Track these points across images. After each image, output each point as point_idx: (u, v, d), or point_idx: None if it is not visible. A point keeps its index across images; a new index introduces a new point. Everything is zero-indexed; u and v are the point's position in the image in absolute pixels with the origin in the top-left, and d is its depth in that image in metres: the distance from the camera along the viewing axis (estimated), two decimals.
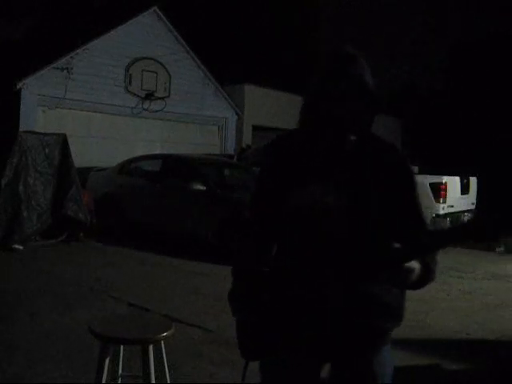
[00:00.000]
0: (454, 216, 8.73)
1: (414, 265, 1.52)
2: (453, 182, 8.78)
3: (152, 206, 8.43)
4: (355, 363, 1.66)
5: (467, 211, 9.24)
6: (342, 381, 1.68)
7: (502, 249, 9.07)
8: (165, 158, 9.09)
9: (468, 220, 1.56)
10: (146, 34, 12.84)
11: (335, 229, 1.57)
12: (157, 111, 13.07)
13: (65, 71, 11.39)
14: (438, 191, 8.42)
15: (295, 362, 1.66)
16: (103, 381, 2.42)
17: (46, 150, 8.08)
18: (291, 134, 1.76)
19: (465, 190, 9.19)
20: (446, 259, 8.68)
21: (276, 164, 1.70)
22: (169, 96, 13.23)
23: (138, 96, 12.69)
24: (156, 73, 12.96)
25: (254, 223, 1.75)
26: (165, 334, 2.47)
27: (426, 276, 1.61)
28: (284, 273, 1.65)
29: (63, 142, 8.32)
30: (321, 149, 1.62)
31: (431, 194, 8.40)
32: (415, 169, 9.79)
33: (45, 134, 8.43)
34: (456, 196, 8.88)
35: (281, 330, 1.63)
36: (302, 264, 1.62)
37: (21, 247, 7.45)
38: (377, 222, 1.58)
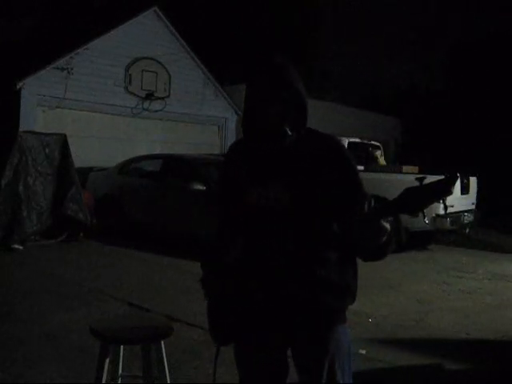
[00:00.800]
0: (454, 216, 8.73)
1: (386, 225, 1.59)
2: None
3: (152, 206, 8.43)
4: (310, 341, 1.76)
5: (467, 211, 9.23)
6: (300, 361, 1.80)
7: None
8: (165, 158, 9.09)
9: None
10: (146, 34, 12.83)
11: (282, 221, 1.72)
12: (157, 111, 13.07)
13: (65, 71, 11.39)
14: None
15: (259, 345, 1.80)
16: (103, 381, 2.42)
17: (46, 150, 8.08)
18: (240, 141, 1.96)
19: (465, 190, 9.18)
20: (446, 259, 8.69)
21: (230, 167, 1.92)
22: (169, 96, 13.23)
23: (138, 96, 12.69)
24: (156, 73, 12.96)
25: (219, 220, 2.04)
26: (165, 334, 2.47)
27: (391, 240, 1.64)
28: (243, 263, 1.82)
29: (63, 142, 8.32)
30: (261, 151, 1.80)
31: None
32: (415, 169, 9.79)
33: (45, 134, 8.43)
34: (456, 196, 8.87)
35: (243, 316, 1.80)
36: (256, 255, 1.78)
37: (21, 247, 7.45)
38: (318, 210, 1.71)
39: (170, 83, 13.25)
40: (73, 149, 8.58)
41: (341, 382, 1.79)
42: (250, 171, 1.81)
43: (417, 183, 1.61)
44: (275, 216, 1.73)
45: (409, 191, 1.59)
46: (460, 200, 9.02)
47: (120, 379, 2.65)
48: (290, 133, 1.75)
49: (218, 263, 1.89)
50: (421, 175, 1.63)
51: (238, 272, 1.81)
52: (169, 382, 2.63)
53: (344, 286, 1.77)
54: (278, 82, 1.76)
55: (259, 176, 1.78)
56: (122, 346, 2.54)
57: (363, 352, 4.04)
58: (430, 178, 1.59)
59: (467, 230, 9.48)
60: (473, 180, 9.57)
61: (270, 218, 1.74)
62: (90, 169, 10.21)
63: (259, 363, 1.82)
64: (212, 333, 1.90)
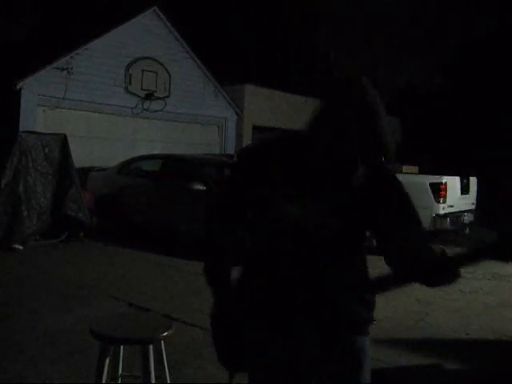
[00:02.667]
0: (454, 216, 8.73)
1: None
2: (453, 182, 8.77)
3: (152, 205, 8.43)
4: (345, 356, 1.66)
5: (467, 211, 9.23)
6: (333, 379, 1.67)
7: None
8: (165, 158, 9.09)
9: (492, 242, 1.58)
10: (146, 34, 12.84)
11: (322, 246, 1.60)
12: (157, 111, 13.07)
13: (65, 71, 11.39)
14: (438, 191, 8.41)
15: (275, 374, 1.64)
16: (103, 381, 2.42)
17: (46, 150, 8.08)
18: (287, 138, 1.73)
19: (465, 190, 9.18)
20: None
21: (256, 172, 1.64)
22: (169, 96, 13.23)
23: (138, 96, 12.70)
24: (156, 73, 12.97)
25: (220, 212, 1.80)
26: (165, 334, 2.47)
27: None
28: (260, 283, 1.66)
29: (63, 142, 8.32)
30: (324, 166, 1.57)
31: (431, 194, 8.40)
32: (415, 169, 9.80)
33: (45, 134, 8.43)
34: (456, 196, 8.87)
35: (256, 342, 1.64)
36: (284, 275, 1.63)
37: (21, 247, 7.45)
38: (365, 235, 1.65)
39: (170, 83, 13.25)
40: (73, 149, 8.58)
41: None
42: (290, 187, 1.59)
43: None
44: (315, 240, 1.59)
45: (505, 236, 1.52)
46: (460, 200, 9.02)
47: (120, 379, 2.65)
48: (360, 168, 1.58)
49: (227, 282, 1.73)
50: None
51: (253, 293, 1.66)
52: (169, 382, 2.63)
53: (373, 299, 1.74)
54: (379, 116, 1.57)
55: (302, 195, 1.58)
56: (121, 346, 2.54)
57: None
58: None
59: (467, 230, 9.48)
60: (473, 180, 9.57)
61: (306, 240, 1.60)
62: (90, 169, 10.21)
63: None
64: (222, 360, 1.72)
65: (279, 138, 1.75)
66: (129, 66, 12.52)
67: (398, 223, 1.61)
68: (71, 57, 11.53)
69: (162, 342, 2.51)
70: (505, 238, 1.53)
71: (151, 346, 2.43)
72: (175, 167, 8.79)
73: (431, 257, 1.56)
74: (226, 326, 1.70)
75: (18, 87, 10.73)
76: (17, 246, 7.43)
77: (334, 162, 1.56)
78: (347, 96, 1.57)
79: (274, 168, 1.61)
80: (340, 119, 1.52)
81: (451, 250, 1.66)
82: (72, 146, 8.57)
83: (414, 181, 8.82)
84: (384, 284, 1.68)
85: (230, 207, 1.78)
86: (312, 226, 1.58)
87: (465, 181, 9.18)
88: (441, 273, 1.58)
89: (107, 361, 2.43)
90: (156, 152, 11.91)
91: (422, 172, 9.77)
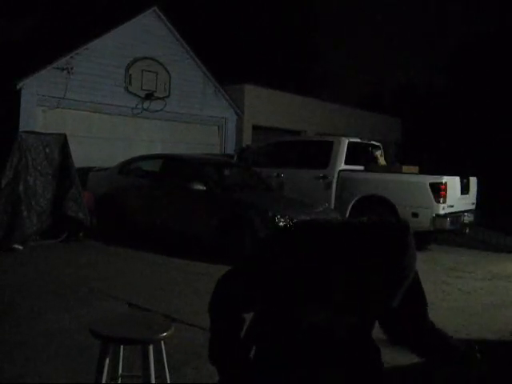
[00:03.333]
0: (454, 216, 8.73)
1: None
2: (453, 182, 8.77)
3: (152, 205, 8.43)
4: None
5: (467, 211, 9.23)
6: None
7: None
8: (165, 158, 9.09)
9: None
10: (146, 34, 12.83)
11: (340, 345, 1.63)
12: (157, 111, 13.07)
13: (65, 71, 11.38)
14: (438, 191, 8.41)
15: None
16: (103, 381, 2.42)
17: (46, 150, 8.08)
18: (325, 232, 1.57)
19: (465, 190, 9.18)
20: (446, 259, 8.69)
21: (302, 262, 1.51)
22: (169, 96, 13.23)
23: (138, 96, 12.69)
24: (156, 73, 12.96)
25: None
26: (165, 334, 2.47)
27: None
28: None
29: (63, 142, 8.32)
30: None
31: (431, 194, 8.40)
32: (415, 169, 9.79)
33: (45, 134, 8.42)
34: (456, 196, 8.86)
35: None
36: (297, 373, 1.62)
37: (21, 247, 7.45)
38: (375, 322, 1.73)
39: (170, 83, 13.25)
40: (73, 149, 8.58)
41: None
42: (321, 284, 1.50)
43: None
44: (332, 339, 1.62)
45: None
46: (460, 200, 9.02)
47: (120, 379, 2.65)
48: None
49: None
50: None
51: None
52: (169, 382, 2.63)
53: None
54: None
55: (327, 295, 1.51)
56: (121, 346, 2.54)
57: None
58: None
59: (467, 230, 9.48)
60: (473, 180, 9.57)
61: (324, 340, 1.61)
62: (90, 169, 10.21)
63: None
64: None
65: (333, 227, 1.60)
66: (129, 66, 12.52)
67: (406, 316, 1.71)
68: (71, 57, 11.53)
69: (162, 342, 2.51)
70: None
71: (151, 346, 2.43)
72: (175, 167, 8.79)
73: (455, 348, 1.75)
74: None
75: (17, 87, 10.72)
76: (17, 246, 7.43)
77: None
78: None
79: (318, 266, 1.49)
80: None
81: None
82: (72, 146, 8.57)
83: (414, 181, 8.83)
84: None
85: (246, 296, 1.65)
86: (331, 325, 1.59)
87: (465, 181, 9.18)
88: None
89: (107, 361, 2.43)
90: (156, 152, 11.91)
91: (422, 172, 9.77)
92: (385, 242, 1.44)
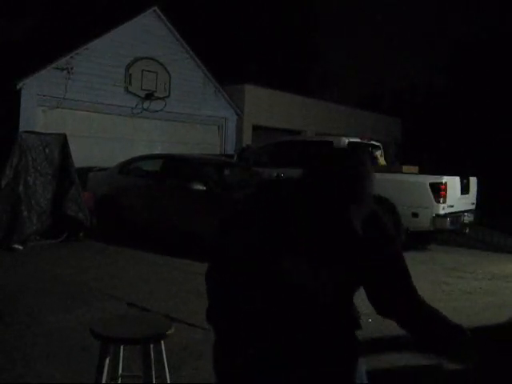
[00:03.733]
0: (454, 216, 8.73)
1: None
2: (453, 182, 8.77)
3: (152, 205, 8.43)
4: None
5: (467, 211, 9.23)
6: None
7: None
8: (165, 158, 9.09)
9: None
10: (146, 34, 12.84)
11: (319, 300, 1.66)
12: (157, 111, 13.07)
13: (65, 71, 11.39)
14: (438, 191, 8.41)
15: None
16: (103, 381, 2.42)
17: (46, 150, 8.08)
18: (288, 186, 1.75)
19: (465, 190, 9.17)
20: (446, 259, 8.69)
21: (266, 219, 1.67)
22: (169, 96, 13.24)
23: (138, 96, 12.70)
24: (156, 73, 12.97)
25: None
26: (165, 333, 2.47)
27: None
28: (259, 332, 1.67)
29: (63, 142, 8.32)
30: (322, 223, 1.63)
31: (431, 194, 8.40)
32: (415, 169, 9.79)
33: (45, 134, 8.42)
34: (456, 196, 8.86)
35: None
36: (279, 324, 1.65)
37: (21, 247, 7.45)
38: (357, 288, 1.74)
39: (170, 83, 13.25)
40: (73, 149, 8.58)
41: None
42: (291, 239, 1.63)
43: None
44: (308, 295, 1.66)
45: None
46: (460, 200, 9.02)
47: (120, 379, 2.65)
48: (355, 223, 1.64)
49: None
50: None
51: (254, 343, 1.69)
52: (169, 382, 2.63)
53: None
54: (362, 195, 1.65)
55: (303, 249, 1.63)
56: (122, 346, 2.54)
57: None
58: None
59: (467, 230, 9.48)
60: (473, 180, 9.57)
61: (301, 295, 1.65)
62: (90, 169, 10.21)
63: None
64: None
65: (280, 187, 1.78)
66: (129, 66, 12.52)
67: (389, 286, 1.71)
68: (71, 57, 11.53)
69: (162, 342, 2.51)
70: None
71: (151, 346, 2.43)
72: (175, 167, 8.79)
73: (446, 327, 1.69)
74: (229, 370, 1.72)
75: (17, 87, 10.73)
76: (17, 246, 7.43)
77: (328, 218, 1.63)
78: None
79: (273, 222, 1.65)
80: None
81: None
82: (72, 146, 8.57)
83: (414, 181, 8.83)
84: None
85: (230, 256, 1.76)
86: (307, 281, 1.63)
87: (465, 181, 9.17)
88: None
89: (107, 361, 2.43)
90: (156, 152, 11.92)
91: (422, 172, 9.76)
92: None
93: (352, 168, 1.65)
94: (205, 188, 7.81)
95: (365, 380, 1.79)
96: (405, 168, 9.56)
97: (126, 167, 9.34)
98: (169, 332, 2.48)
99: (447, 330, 1.70)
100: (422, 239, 9.34)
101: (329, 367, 1.68)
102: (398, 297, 1.71)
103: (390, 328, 4.75)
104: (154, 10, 13.08)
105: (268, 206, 1.70)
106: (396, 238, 1.76)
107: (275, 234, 1.64)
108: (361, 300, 1.80)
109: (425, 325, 1.72)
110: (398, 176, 9.08)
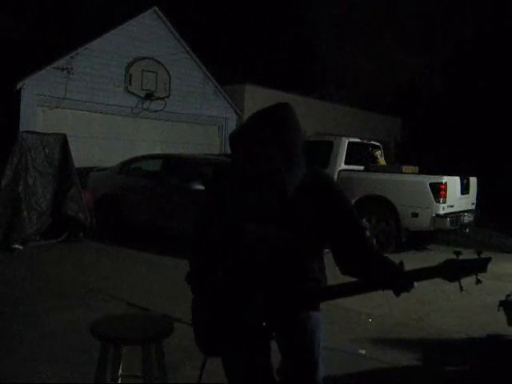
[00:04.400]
0: (454, 216, 8.73)
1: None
2: (453, 182, 8.77)
3: (152, 206, 8.43)
4: (295, 324, 1.98)
5: (467, 211, 9.23)
6: (286, 342, 1.99)
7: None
8: (165, 158, 9.08)
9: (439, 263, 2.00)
10: (146, 34, 12.84)
11: (277, 256, 1.92)
12: (157, 111, 13.07)
13: (65, 71, 11.39)
14: (438, 191, 8.41)
15: (247, 345, 1.95)
16: (103, 381, 2.42)
17: (46, 150, 8.07)
18: (227, 168, 2.15)
19: (465, 190, 9.17)
20: (445, 258, 8.67)
21: (223, 196, 2.01)
22: (169, 96, 13.23)
23: (138, 96, 12.70)
24: (156, 73, 12.97)
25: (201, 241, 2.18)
26: (165, 333, 2.47)
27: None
28: (231, 285, 2.00)
29: (63, 142, 8.32)
30: (260, 189, 1.87)
31: (431, 194, 8.40)
32: (415, 169, 9.79)
33: (45, 134, 8.42)
34: (456, 196, 8.86)
35: (231, 326, 1.97)
36: (247, 278, 1.97)
37: (21, 247, 7.45)
38: (313, 246, 1.97)
39: (170, 83, 13.25)
40: (73, 149, 8.58)
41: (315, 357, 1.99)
42: (247, 206, 1.91)
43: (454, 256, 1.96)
44: (269, 251, 1.91)
45: (449, 263, 2.00)
46: (460, 200, 9.02)
47: (120, 379, 2.65)
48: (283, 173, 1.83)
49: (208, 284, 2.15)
50: (457, 250, 1.96)
51: (227, 292, 2.02)
52: (169, 382, 2.63)
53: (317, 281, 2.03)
54: (275, 139, 1.84)
55: (257, 213, 1.90)
56: (122, 346, 2.54)
57: (363, 352, 4.04)
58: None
59: (467, 230, 9.48)
60: (473, 180, 9.57)
61: (264, 252, 1.92)
62: (90, 169, 10.21)
63: (249, 363, 1.97)
64: (201, 346, 2.09)
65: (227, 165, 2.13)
66: (129, 66, 12.52)
67: (338, 237, 1.93)
68: (71, 57, 11.53)
69: (162, 342, 2.51)
70: (448, 264, 1.98)
71: (151, 346, 2.43)
72: (175, 167, 8.79)
73: (388, 269, 1.86)
74: (206, 318, 2.05)
75: (17, 87, 10.73)
76: (17, 246, 7.43)
77: (259, 182, 1.86)
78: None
79: (227, 192, 1.99)
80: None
81: (451, 250, 1.74)
82: (72, 146, 8.57)
83: (414, 181, 8.83)
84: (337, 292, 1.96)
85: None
86: (267, 241, 1.90)
87: (465, 181, 9.17)
88: (397, 285, 1.86)
89: (107, 361, 2.43)
90: (156, 152, 11.91)
91: (422, 172, 9.76)
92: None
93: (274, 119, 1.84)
94: (205, 188, 7.81)
95: (318, 330, 1.99)
96: (405, 168, 9.56)
97: (126, 167, 9.34)
98: (169, 332, 2.49)
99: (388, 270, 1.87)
100: (422, 239, 9.35)
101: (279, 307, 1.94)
102: (351, 254, 1.91)
103: (390, 328, 4.75)
104: (154, 10, 13.08)
105: (222, 185, 2.05)
106: (338, 192, 1.97)
107: (233, 204, 1.94)
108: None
109: (372, 272, 1.88)
110: (397, 176, 9.08)
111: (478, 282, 2.00)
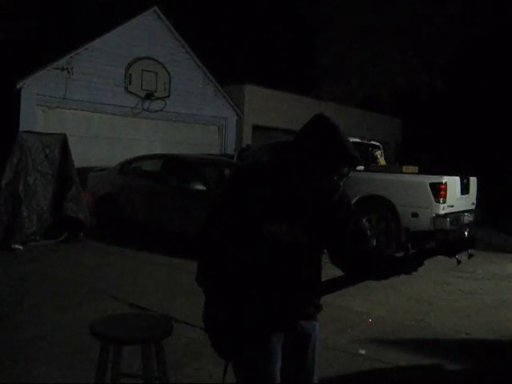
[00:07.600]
0: (454, 216, 8.72)
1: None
2: (453, 182, 8.76)
3: (152, 206, 8.43)
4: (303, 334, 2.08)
5: (467, 211, 9.22)
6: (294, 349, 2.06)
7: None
8: (165, 158, 9.09)
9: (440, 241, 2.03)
10: (146, 34, 12.84)
11: (296, 255, 2.00)
12: (157, 111, 13.07)
13: (65, 71, 11.38)
14: (438, 191, 8.40)
15: (264, 347, 1.98)
16: (103, 381, 2.42)
17: (46, 150, 8.07)
18: (265, 169, 2.04)
19: (465, 190, 9.16)
20: (446, 259, 8.67)
21: (250, 194, 1.97)
22: (169, 96, 13.23)
23: (138, 96, 12.69)
24: (156, 73, 12.96)
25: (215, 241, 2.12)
26: (165, 333, 2.47)
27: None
28: (251, 288, 2.00)
29: (63, 142, 8.32)
30: (297, 192, 1.95)
31: (431, 194, 8.40)
32: (415, 169, 9.79)
33: (45, 134, 8.42)
34: (456, 196, 8.85)
35: (249, 328, 1.98)
36: (268, 280, 1.99)
37: (21, 247, 7.45)
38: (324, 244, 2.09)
39: (170, 83, 13.25)
40: (73, 149, 8.57)
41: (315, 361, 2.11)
42: (275, 207, 1.95)
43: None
44: (291, 250, 1.99)
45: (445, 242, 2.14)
46: (460, 200, 9.01)
47: (120, 379, 2.65)
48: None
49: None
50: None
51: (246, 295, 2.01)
52: (169, 382, 2.63)
53: (317, 304, 2.13)
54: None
55: (284, 215, 1.95)
56: (122, 346, 2.54)
57: (363, 352, 4.04)
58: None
59: (467, 230, 9.47)
60: (473, 180, 9.56)
61: (286, 251, 1.98)
62: (90, 169, 10.21)
63: (266, 364, 1.99)
64: (221, 351, 2.05)
65: (270, 164, 2.06)
66: (129, 66, 12.52)
67: (351, 240, 2.07)
68: (71, 57, 11.52)
69: (163, 341, 2.51)
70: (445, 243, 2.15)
71: (152, 346, 2.43)
72: (175, 167, 8.79)
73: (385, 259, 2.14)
74: (220, 322, 2.01)
75: (17, 87, 10.72)
76: (17, 246, 7.43)
77: (312, 193, 1.94)
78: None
79: (264, 194, 1.96)
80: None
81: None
82: (72, 146, 8.57)
83: (414, 181, 8.83)
84: (333, 286, 2.05)
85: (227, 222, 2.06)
86: (289, 240, 1.96)
87: (465, 181, 9.17)
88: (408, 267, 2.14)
89: (107, 361, 2.43)
90: (156, 152, 11.91)
91: (421, 172, 9.76)
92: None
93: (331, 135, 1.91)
94: (205, 188, 7.81)
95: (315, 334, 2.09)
96: (405, 168, 9.56)
97: (126, 167, 9.34)
98: (169, 332, 2.49)
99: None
100: (422, 239, 9.34)
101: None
102: (355, 253, 2.06)
103: (390, 328, 4.75)
104: (154, 10, 13.07)
105: (252, 184, 1.99)
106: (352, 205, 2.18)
107: (259, 205, 1.94)
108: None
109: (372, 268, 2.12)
110: (397, 176, 9.07)
111: (470, 256, 2.18)
